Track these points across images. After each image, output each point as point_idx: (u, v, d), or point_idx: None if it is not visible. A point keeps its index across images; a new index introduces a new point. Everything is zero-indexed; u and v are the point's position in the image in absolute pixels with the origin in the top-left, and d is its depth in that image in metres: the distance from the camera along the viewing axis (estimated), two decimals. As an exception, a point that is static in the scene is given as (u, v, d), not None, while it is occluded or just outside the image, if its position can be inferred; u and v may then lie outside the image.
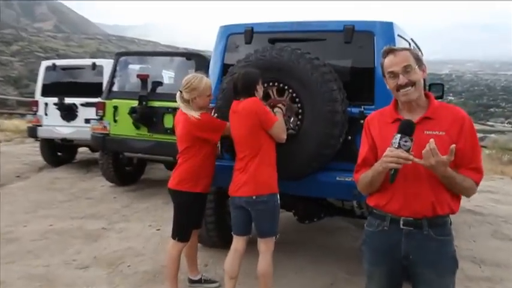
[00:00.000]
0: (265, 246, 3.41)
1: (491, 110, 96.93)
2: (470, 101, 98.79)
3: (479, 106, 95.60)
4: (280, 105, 3.53)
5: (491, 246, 5.19)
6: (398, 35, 3.84)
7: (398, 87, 2.15)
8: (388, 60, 2.20)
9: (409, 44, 4.26)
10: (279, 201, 3.40)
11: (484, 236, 5.54)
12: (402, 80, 2.14)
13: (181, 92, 3.59)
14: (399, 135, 2.03)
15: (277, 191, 3.39)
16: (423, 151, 1.99)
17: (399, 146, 2.02)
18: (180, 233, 3.66)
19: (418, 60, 2.19)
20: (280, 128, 3.35)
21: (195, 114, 3.48)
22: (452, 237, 2.21)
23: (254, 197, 3.29)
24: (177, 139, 3.67)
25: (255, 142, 3.32)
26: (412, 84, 2.14)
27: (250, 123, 3.30)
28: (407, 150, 2.01)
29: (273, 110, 3.47)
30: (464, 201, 6.43)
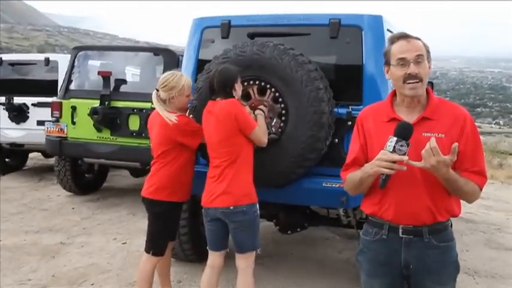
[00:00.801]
0: (245, 263, 3.38)
1: (478, 109, 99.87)
2: (456, 100, 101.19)
3: (466, 106, 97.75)
4: (261, 106, 3.54)
5: (485, 256, 5.36)
6: (388, 30, 3.94)
7: (406, 78, 2.14)
8: (399, 46, 2.18)
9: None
10: (258, 212, 3.40)
11: (477, 245, 5.72)
12: (413, 69, 2.12)
13: (157, 90, 3.58)
14: (395, 139, 2.03)
15: (257, 201, 3.38)
16: (422, 151, 2.00)
17: (394, 150, 2.02)
18: (155, 246, 3.64)
19: (428, 53, 2.21)
20: (261, 133, 3.34)
21: (171, 117, 3.47)
22: (454, 242, 2.26)
23: (232, 208, 3.26)
24: (152, 143, 3.65)
25: (233, 148, 3.29)
26: (420, 79, 2.14)
27: (228, 128, 3.27)
28: (403, 155, 2.02)
29: (253, 112, 3.48)
30: (455, 208, 6.66)
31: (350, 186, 2.33)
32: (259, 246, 3.44)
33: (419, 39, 2.22)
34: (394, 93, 2.29)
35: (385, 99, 2.35)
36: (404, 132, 2.05)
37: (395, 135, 2.05)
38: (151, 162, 3.65)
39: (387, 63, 2.24)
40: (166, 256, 3.84)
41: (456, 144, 2.01)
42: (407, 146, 2.02)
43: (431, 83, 5.75)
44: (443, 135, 2.13)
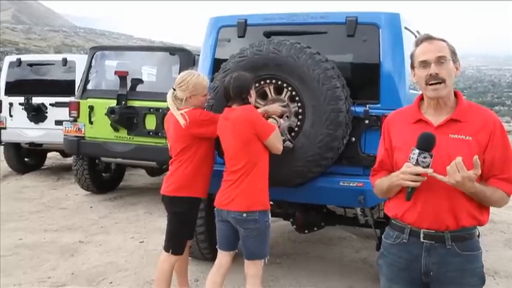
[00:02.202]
0: (254, 270, 3.37)
1: (496, 108, 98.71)
2: (473, 99, 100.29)
3: (483, 104, 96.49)
4: (274, 116, 3.53)
5: (505, 256, 5.29)
6: (405, 28, 3.92)
7: (428, 79, 2.12)
8: (422, 47, 2.16)
9: (415, 37, 4.33)
10: (270, 220, 3.39)
11: (497, 246, 5.64)
12: (434, 69, 2.10)
13: (174, 89, 3.59)
14: (417, 151, 2.00)
15: (269, 208, 3.38)
16: (448, 167, 1.97)
17: (417, 163, 2.00)
18: (174, 244, 3.66)
19: (454, 55, 2.18)
20: (277, 139, 3.33)
21: (180, 118, 3.46)
22: (480, 252, 2.19)
23: (244, 215, 3.26)
24: (170, 142, 3.66)
25: (251, 155, 3.27)
26: (443, 80, 2.11)
27: (246, 134, 3.25)
28: (426, 167, 2.00)
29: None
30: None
31: (379, 192, 2.33)
32: (267, 255, 3.41)
33: (443, 40, 2.19)
34: (421, 98, 2.27)
35: (412, 103, 2.31)
36: (426, 143, 2.02)
37: (417, 147, 2.02)
38: (170, 162, 3.66)
39: (412, 66, 2.23)
40: (184, 255, 3.86)
41: (476, 157, 1.96)
42: (431, 157, 2.00)
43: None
44: (470, 138, 2.10)
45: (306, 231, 4.64)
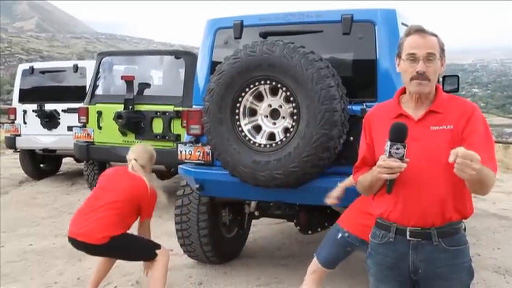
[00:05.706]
0: None
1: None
2: (498, 93, 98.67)
3: (508, 98, 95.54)
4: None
5: (518, 254, 5.15)
6: (403, 24, 3.85)
7: (414, 76, 2.07)
8: (413, 39, 2.11)
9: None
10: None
11: (510, 243, 5.49)
12: (421, 67, 2.06)
13: (136, 160, 4.01)
14: (389, 143, 1.98)
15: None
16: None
17: (391, 155, 1.97)
18: (147, 254, 3.87)
19: (442, 51, 2.13)
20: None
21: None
22: (467, 246, 2.17)
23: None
24: (112, 191, 3.89)
25: None
26: (428, 79, 2.07)
27: None
28: (401, 158, 1.97)
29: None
30: (488, 204, 6.45)
31: (362, 188, 2.29)
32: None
33: (435, 35, 2.14)
34: (401, 92, 2.24)
35: (393, 97, 2.27)
36: (398, 133, 1.98)
37: (389, 139, 1.99)
38: (100, 205, 3.86)
39: (399, 55, 2.17)
40: (109, 264, 4.17)
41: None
42: (404, 148, 1.96)
43: (456, 77, 5.56)
44: (451, 127, 2.07)
45: (310, 232, 4.60)
